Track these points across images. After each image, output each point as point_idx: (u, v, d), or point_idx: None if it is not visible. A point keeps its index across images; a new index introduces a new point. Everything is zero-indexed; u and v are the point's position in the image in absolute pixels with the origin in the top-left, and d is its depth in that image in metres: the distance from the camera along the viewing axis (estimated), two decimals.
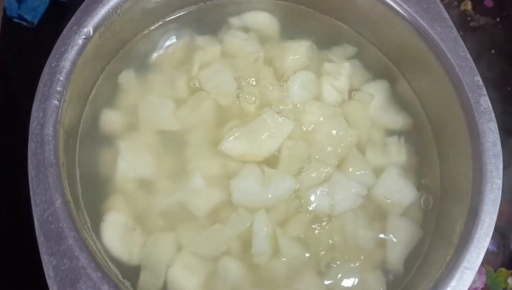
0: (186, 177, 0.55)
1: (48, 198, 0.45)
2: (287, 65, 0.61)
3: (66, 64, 0.51)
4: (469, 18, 0.79)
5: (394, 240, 0.55)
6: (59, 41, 0.52)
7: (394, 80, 0.64)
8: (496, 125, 0.52)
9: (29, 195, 0.45)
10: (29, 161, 0.46)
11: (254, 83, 0.60)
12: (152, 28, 0.64)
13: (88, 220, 0.52)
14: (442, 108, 0.59)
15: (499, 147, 0.51)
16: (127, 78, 0.60)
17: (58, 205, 0.45)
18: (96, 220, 0.52)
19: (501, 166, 0.51)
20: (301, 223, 0.54)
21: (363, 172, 0.57)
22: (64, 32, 0.52)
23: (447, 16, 0.58)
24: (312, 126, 0.58)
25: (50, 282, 0.43)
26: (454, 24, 0.57)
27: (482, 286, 0.65)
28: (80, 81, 0.54)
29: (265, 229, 0.52)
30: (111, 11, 0.55)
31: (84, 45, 0.52)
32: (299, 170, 0.56)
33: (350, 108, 0.60)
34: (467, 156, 0.53)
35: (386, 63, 0.65)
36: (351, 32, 0.66)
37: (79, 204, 0.53)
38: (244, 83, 0.60)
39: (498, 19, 0.79)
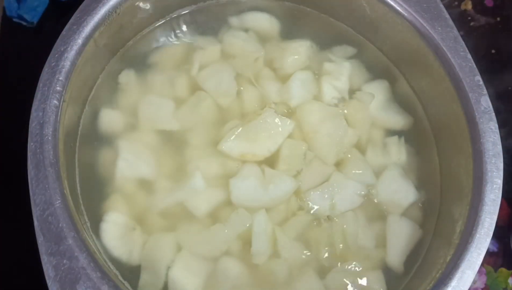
0: (186, 177, 0.54)
1: (47, 198, 0.45)
2: (287, 65, 0.61)
3: (66, 63, 0.51)
4: (469, 18, 0.79)
5: (394, 240, 0.55)
6: (58, 41, 0.52)
7: (394, 80, 0.64)
8: (497, 125, 0.52)
9: (28, 195, 0.45)
10: (29, 161, 0.46)
11: (254, 83, 0.60)
12: (152, 27, 0.64)
13: (87, 220, 0.52)
14: (442, 108, 0.59)
15: (499, 147, 0.51)
16: (127, 78, 0.60)
17: (57, 205, 0.45)
18: (96, 220, 0.52)
19: (501, 166, 0.51)
20: (301, 223, 0.54)
21: (363, 172, 0.57)
22: (63, 31, 0.52)
23: (447, 15, 0.58)
24: (312, 126, 0.58)
25: (50, 282, 0.43)
26: (454, 24, 0.57)
27: (483, 286, 0.65)
28: (80, 81, 0.54)
29: (265, 229, 0.52)
30: (110, 10, 0.55)
31: (83, 45, 0.52)
32: (299, 170, 0.56)
33: (350, 108, 0.60)
34: (467, 156, 0.53)
35: (386, 63, 0.65)
36: (351, 32, 0.66)
37: (79, 204, 0.52)
38: (244, 83, 0.60)
39: (498, 19, 0.79)
